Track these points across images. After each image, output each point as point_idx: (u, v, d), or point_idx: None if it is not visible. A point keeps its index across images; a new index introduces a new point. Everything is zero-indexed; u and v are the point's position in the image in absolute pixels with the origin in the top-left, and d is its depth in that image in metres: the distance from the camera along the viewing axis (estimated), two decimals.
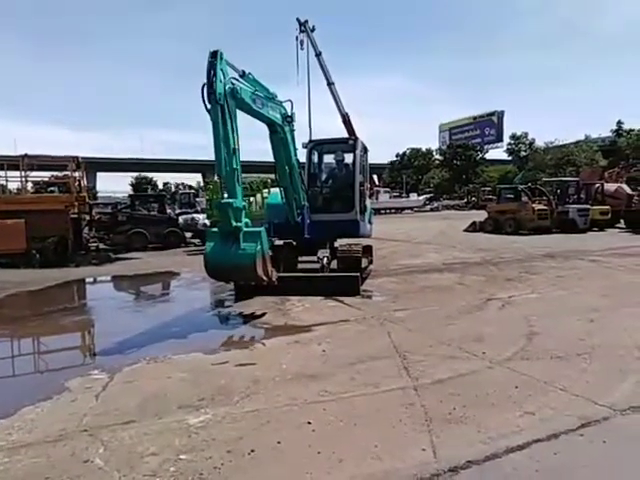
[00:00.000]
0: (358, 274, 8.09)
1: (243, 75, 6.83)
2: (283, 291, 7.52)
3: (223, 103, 5.85)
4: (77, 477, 2.73)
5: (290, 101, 8.09)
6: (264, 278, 6.22)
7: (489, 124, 79.73)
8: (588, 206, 20.37)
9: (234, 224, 5.91)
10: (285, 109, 7.99)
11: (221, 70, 5.85)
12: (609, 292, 7.53)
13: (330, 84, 41.36)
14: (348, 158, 9.65)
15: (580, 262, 11.01)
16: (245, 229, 6.05)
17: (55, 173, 22.47)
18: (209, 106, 5.80)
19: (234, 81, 6.26)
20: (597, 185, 22.59)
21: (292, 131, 8.28)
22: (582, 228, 19.51)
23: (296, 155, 8.49)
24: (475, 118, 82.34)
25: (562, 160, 51.94)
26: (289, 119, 8.06)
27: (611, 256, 11.84)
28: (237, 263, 5.99)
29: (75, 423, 3.41)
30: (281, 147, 8.02)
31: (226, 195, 6.06)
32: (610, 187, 22.65)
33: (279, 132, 7.87)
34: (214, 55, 5.83)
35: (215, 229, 6.19)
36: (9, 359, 5.36)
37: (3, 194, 14.47)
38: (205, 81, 5.77)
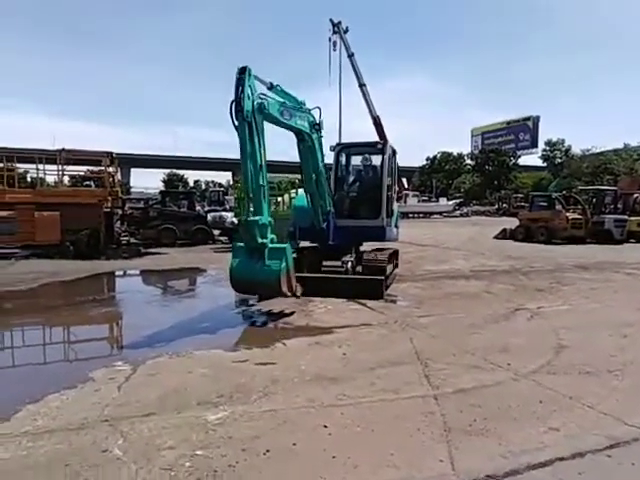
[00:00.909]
0: (383, 277, 8.02)
1: (271, 87, 6.81)
2: (306, 291, 7.52)
3: (251, 120, 5.85)
4: (96, 465, 2.79)
5: (318, 108, 7.98)
6: (288, 294, 6.33)
7: (524, 129, 78.06)
8: (625, 217, 19.64)
9: (260, 241, 5.97)
10: (313, 117, 7.88)
11: (249, 86, 5.83)
12: None
13: (362, 85, 41.35)
14: (376, 162, 9.57)
15: (615, 275, 10.62)
16: (270, 245, 6.11)
17: (91, 168, 23.11)
18: (237, 123, 5.81)
19: (262, 96, 6.21)
20: (636, 195, 21.74)
21: (320, 137, 8.19)
22: (618, 239, 18.83)
23: (323, 161, 8.42)
24: (509, 123, 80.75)
25: (599, 168, 50.28)
26: (317, 127, 7.95)
27: None
28: (262, 279, 6.09)
29: (97, 413, 3.48)
30: (309, 155, 7.98)
31: (252, 210, 6.06)
32: None
33: (307, 140, 7.82)
34: (242, 71, 5.81)
35: (241, 244, 6.25)
36: (40, 348, 5.53)
37: (41, 187, 14.99)
38: (233, 97, 5.75)
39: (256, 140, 5.96)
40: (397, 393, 3.88)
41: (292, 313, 6.65)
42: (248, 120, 5.81)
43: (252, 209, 6.04)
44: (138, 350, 5.05)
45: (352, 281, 8.17)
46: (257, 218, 5.96)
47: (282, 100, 6.94)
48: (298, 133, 7.70)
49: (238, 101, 5.75)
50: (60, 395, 3.82)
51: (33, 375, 4.55)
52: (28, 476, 2.71)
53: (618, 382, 4.12)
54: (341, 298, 7.55)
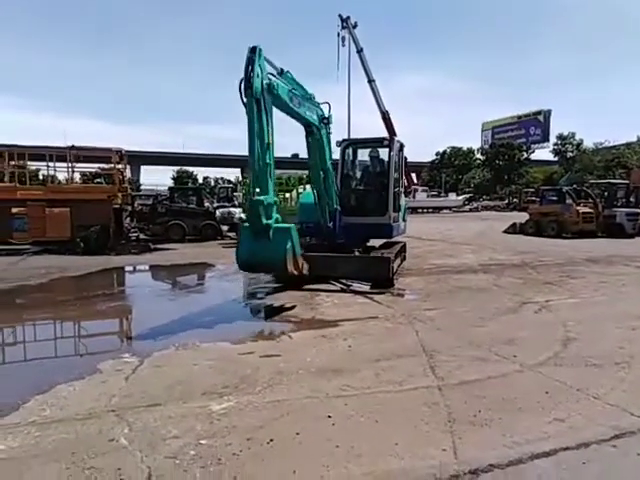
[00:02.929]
0: (390, 256, 8.02)
1: (281, 73, 6.86)
2: (313, 271, 7.61)
3: (259, 98, 5.87)
4: (102, 454, 2.83)
5: (328, 103, 8.05)
6: (295, 273, 6.34)
7: (535, 123, 77.24)
8: (638, 210, 19.37)
9: (265, 222, 5.97)
10: (322, 111, 7.95)
11: (259, 66, 5.87)
12: None
13: (371, 81, 41.17)
14: (383, 158, 9.52)
15: (625, 268, 10.49)
16: (275, 225, 6.11)
17: (102, 165, 23.29)
18: (245, 100, 5.85)
19: (271, 77, 6.28)
20: None
21: (328, 134, 8.22)
22: (630, 233, 18.59)
23: (331, 159, 8.45)
24: (520, 117, 79.94)
25: (612, 162, 49.62)
26: (326, 121, 8.00)
27: None
28: (268, 260, 6.14)
29: (104, 403, 3.53)
30: (317, 150, 7.99)
31: (257, 190, 6.03)
32: None
33: (315, 133, 7.84)
34: (253, 50, 5.86)
35: (247, 224, 6.28)
36: (50, 340, 5.60)
37: (52, 183, 15.13)
38: (243, 76, 5.80)
39: (264, 118, 5.97)
40: (401, 384, 3.88)
41: (294, 307, 6.67)
42: (257, 97, 5.83)
43: (257, 189, 6.01)
44: (145, 343, 5.10)
45: (359, 260, 8.20)
46: (262, 198, 5.93)
47: (291, 86, 6.95)
48: (307, 126, 7.71)
49: (248, 79, 5.78)
50: (68, 386, 3.87)
51: (42, 367, 4.61)
52: (35, 464, 2.75)
53: (625, 374, 4.08)
54: (349, 278, 7.67)
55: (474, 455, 2.79)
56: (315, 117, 7.70)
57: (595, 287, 8.18)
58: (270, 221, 6.03)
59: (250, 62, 5.81)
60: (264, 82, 5.98)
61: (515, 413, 3.35)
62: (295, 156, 75.32)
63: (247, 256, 6.22)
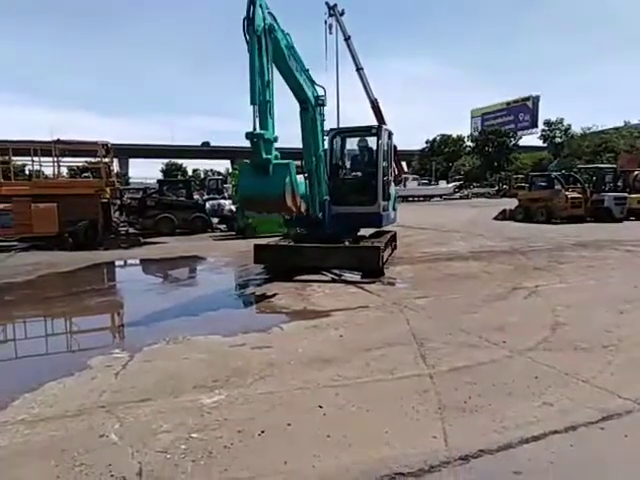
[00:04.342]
0: (380, 245, 8.04)
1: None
2: (301, 260, 7.67)
3: (260, 35, 5.93)
4: (92, 450, 2.81)
5: (322, 87, 8.14)
6: (293, 209, 6.46)
7: (523, 109, 77.21)
8: (625, 194, 19.55)
9: (264, 156, 6.01)
10: (317, 91, 8.00)
11: (260, 6, 5.94)
12: None
13: (359, 69, 40.84)
14: (371, 146, 9.48)
15: (614, 252, 10.60)
16: (274, 161, 6.17)
17: (89, 159, 22.99)
18: (248, 38, 5.90)
19: (272, 21, 6.30)
20: (636, 172, 21.62)
21: (322, 120, 8.24)
22: (618, 217, 18.77)
23: (323, 146, 8.47)
24: (509, 103, 79.83)
25: (600, 147, 49.89)
26: (320, 101, 8.04)
27: None
28: (268, 194, 6.20)
29: (94, 399, 3.50)
30: (310, 130, 7.95)
31: (258, 125, 6.02)
32: None
33: (310, 110, 7.83)
34: None
35: (247, 161, 6.37)
36: (38, 338, 5.54)
37: (37, 178, 14.90)
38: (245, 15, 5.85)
39: (264, 57, 6.01)
40: (392, 373, 3.89)
41: (285, 298, 6.66)
42: (258, 34, 5.88)
43: (258, 123, 6.00)
44: (135, 337, 5.07)
45: (349, 249, 8.22)
46: (263, 132, 5.97)
47: (291, 45, 6.99)
48: (302, 100, 7.70)
49: (250, 17, 5.83)
50: (57, 383, 3.83)
51: (31, 364, 4.58)
52: (25, 463, 2.73)
53: (612, 357, 4.12)
54: (339, 268, 7.74)
55: (464, 441, 2.81)
56: (310, 94, 7.73)
57: (584, 271, 8.26)
58: (270, 156, 6.09)
59: (251, 2, 5.86)
60: (265, 21, 6.04)
61: (505, 398, 3.38)
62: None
63: (248, 192, 6.43)
